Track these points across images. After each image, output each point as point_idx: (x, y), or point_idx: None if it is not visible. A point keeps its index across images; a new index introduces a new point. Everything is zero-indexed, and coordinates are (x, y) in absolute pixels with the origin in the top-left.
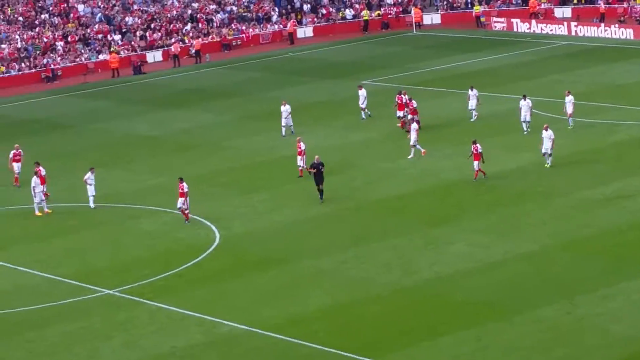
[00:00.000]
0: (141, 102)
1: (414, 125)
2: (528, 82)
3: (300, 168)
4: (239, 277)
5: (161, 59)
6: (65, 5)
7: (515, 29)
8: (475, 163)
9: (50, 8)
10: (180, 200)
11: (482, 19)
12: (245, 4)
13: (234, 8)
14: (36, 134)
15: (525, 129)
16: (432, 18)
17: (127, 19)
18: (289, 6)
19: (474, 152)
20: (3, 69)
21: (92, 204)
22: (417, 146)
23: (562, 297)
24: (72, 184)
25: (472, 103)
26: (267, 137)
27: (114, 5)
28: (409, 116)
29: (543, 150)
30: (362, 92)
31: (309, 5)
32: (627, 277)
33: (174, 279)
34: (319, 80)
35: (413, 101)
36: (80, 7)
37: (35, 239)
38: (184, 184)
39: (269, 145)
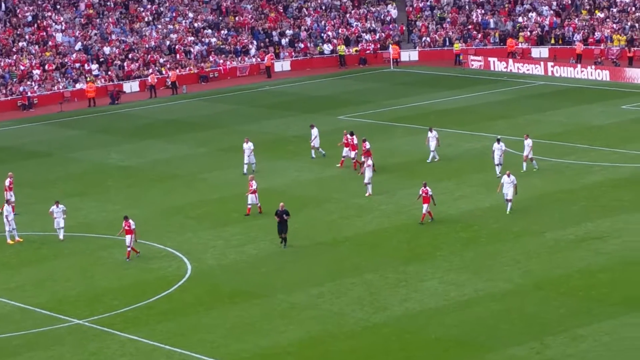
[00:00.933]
0: (117, 132)
1: (369, 161)
2: (504, 121)
3: (249, 206)
4: (210, 309)
5: (138, 89)
6: (44, 33)
7: (492, 68)
8: (425, 206)
9: (28, 36)
10: (128, 237)
11: (460, 57)
12: (224, 36)
13: (213, 40)
14: (10, 161)
15: (498, 172)
16: (409, 55)
17: (104, 48)
18: (267, 39)
19: (424, 194)
20: None
21: (61, 236)
22: (369, 185)
23: (533, 338)
24: (45, 213)
25: (432, 144)
26: (241, 170)
27: (93, 34)
28: (362, 157)
29: (505, 197)
30: (314, 131)
31: (286, 39)
32: (598, 319)
33: (145, 311)
34: (296, 114)
35: (367, 142)
36: (59, 35)
37: (6, 267)
38: (131, 221)
39: (244, 178)
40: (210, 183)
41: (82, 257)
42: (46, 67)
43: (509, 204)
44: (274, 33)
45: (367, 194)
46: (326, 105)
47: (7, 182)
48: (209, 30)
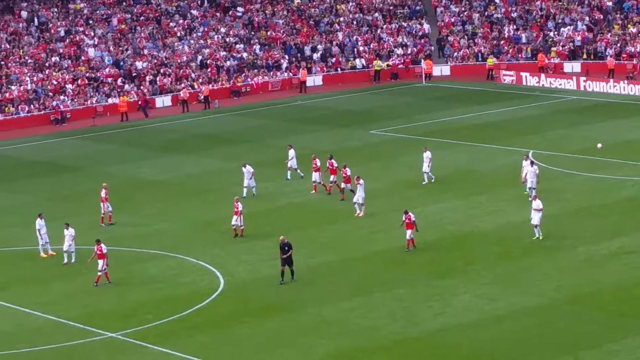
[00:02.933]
0: (149, 147)
1: (361, 182)
2: (536, 136)
3: (234, 227)
4: (242, 323)
5: (170, 103)
6: (76, 48)
7: (524, 83)
8: (408, 232)
9: (61, 51)
10: (100, 262)
11: (493, 72)
12: (256, 51)
13: (244, 55)
14: (43, 175)
15: (530, 195)
16: (441, 69)
17: (137, 63)
18: (298, 54)
19: (407, 221)
20: (12, 110)
21: (65, 260)
22: (360, 203)
23: (567, 352)
24: (77, 227)
25: (425, 166)
26: (273, 184)
27: (125, 49)
28: (342, 184)
29: (532, 222)
30: (291, 152)
31: (318, 54)
32: (632, 333)
33: (177, 324)
34: (328, 129)
35: (347, 169)
36: (91, 50)
37: (38, 280)
38: (102, 245)
39: (275, 192)
40: (242, 197)
41: (115, 271)
42: (79, 81)
43: (537, 229)
44: (305, 48)
45: (357, 214)
46: (358, 120)
47: (102, 193)
48: (241, 45)
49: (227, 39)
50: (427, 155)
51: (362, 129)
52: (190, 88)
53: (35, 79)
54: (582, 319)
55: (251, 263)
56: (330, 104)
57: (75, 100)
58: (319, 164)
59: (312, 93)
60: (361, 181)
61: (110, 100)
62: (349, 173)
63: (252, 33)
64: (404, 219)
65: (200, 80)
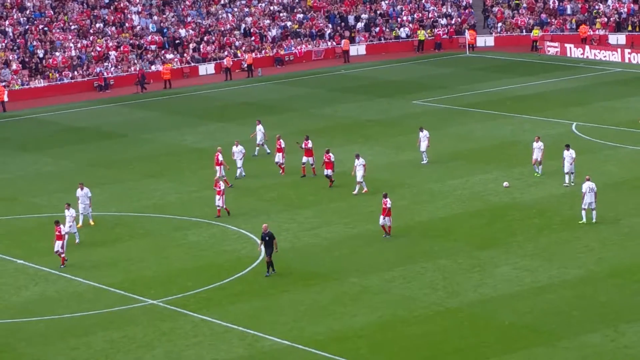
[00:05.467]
0: (192, 114)
1: (362, 161)
2: (580, 108)
3: (218, 208)
4: (283, 292)
5: (213, 71)
6: (121, 15)
7: (568, 54)
8: (387, 219)
9: (105, 17)
10: (58, 243)
11: (537, 43)
12: (299, 20)
13: (288, 24)
14: (87, 141)
15: (566, 181)
16: (485, 40)
17: (180, 30)
18: (342, 23)
19: (384, 206)
20: (56, 76)
21: (78, 224)
22: (363, 183)
23: (607, 325)
24: (120, 193)
25: (423, 145)
26: (316, 153)
27: (169, 17)
28: (326, 170)
29: (589, 206)
30: (260, 128)
31: (362, 24)
32: None
33: (218, 292)
34: (371, 99)
35: (330, 154)
36: (135, 17)
37: (81, 246)
38: (61, 226)
39: (318, 161)
40: (284, 166)
41: (156, 238)
42: (122, 48)
43: (594, 212)
44: (349, 17)
45: (355, 192)
46: (401, 90)
47: (219, 157)
48: (285, 14)
49: (271, 7)
50: (424, 134)
51: (405, 99)
52: (233, 56)
53: (79, 45)
54: (623, 293)
55: (293, 232)
56: (373, 74)
57: (119, 67)
58: (283, 144)
59: (355, 62)
60: (361, 159)
61: (153, 68)
62: (332, 159)
63: (296, 1)
64: (382, 204)
65: (243, 48)
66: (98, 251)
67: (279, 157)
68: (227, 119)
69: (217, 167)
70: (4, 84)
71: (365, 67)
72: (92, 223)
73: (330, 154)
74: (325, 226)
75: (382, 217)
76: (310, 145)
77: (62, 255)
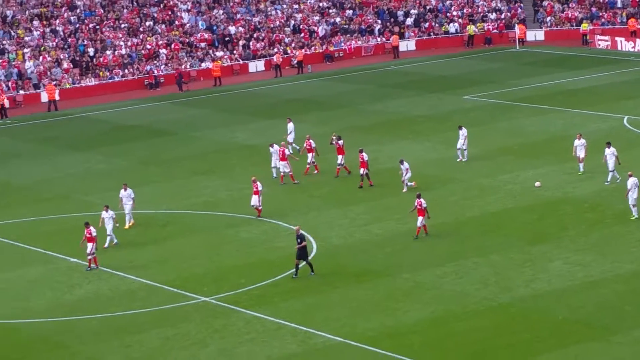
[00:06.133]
0: (242, 111)
1: (406, 165)
2: (631, 101)
3: (257, 208)
4: (335, 288)
5: (263, 68)
6: (170, 13)
7: (619, 48)
8: (420, 219)
9: (155, 15)
10: (90, 245)
11: (587, 37)
12: (348, 16)
13: (337, 20)
14: (137, 140)
15: (609, 179)
16: (535, 34)
17: (230, 28)
18: (391, 19)
19: (418, 207)
20: (107, 74)
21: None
22: (408, 183)
23: None
24: (171, 191)
25: (461, 142)
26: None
27: (218, 14)
28: (360, 170)
29: (629, 202)
30: (290, 125)
31: (411, 19)
32: None
33: (270, 289)
34: (421, 94)
35: (364, 154)
36: (185, 15)
37: (133, 245)
38: (92, 228)
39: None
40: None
41: (208, 235)
42: (172, 46)
43: (634, 209)
44: (398, 13)
45: (405, 190)
46: (451, 85)
47: (286, 152)
48: (334, 10)
49: (320, 4)
50: (462, 132)
51: (455, 94)
52: (283, 53)
53: (129, 43)
54: None
55: (345, 228)
56: (422, 69)
57: (169, 64)
58: (313, 145)
59: (404, 58)
60: (405, 164)
61: (203, 65)
62: (365, 158)
63: None
64: (415, 204)
65: (293, 44)
66: (150, 249)
67: (310, 157)
68: (277, 116)
69: (282, 163)
70: (55, 82)
71: (415, 62)
72: (131, 224)
73: (364, 154)
74: (376, 222)
75: (419, 218)
76: (341, 143)
77: (93, 257)
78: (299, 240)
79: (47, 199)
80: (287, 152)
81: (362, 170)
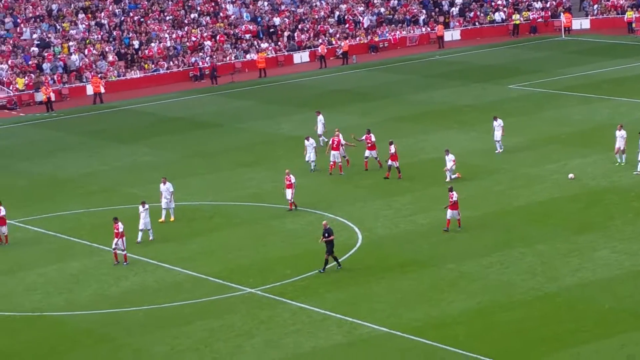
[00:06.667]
0: (287, 102)
1: (451, 157)
2: None
3: (290, 201)
4: (380, 279)
5: (308, 59)
6: (214, 5)
7: None
8: (451, 212)
9: (199, 7)
10: (116, 240)
11: (633, 25)
12: (393, 6)
13: (382, 10)
14: (183, 132)
15: (638, 169)
16: (581, 23)
17: (275, 19)
18: (436, 9)
19: (451, 200)
20: (152, 67)
21: (139, 239)
22: (452, 175)
23: None
24: (217, 183)
25: (497, 134)
26: (413, 139)
27: (263, 5)
28: (389, 162)
29: None
30: (320, 118)
31: (456, 9)
32: None
33: (316, 280)
34: (466, 84)
35: (392, 145)
36: (229, 7)
37: (178, 236)
38: (119, 223)
39: (414, 147)
40: (380, 153)
41: (253, 227)
42: (217, 38)
43: None
44: (443, 2)
45: (447, 179)
46: (497, 75)
47: (339, 139)
48: (379, 0)
49: None
50: (498, 123)
51: (501, 84)
52: (327, 44)
53: (174, 35)
54: None
55: (389, 218)
56: (468, 59)
57: (214, 56)
58: (341, 139)
59: (449, 48)
60: (450, 155)
61: (248, 57)
62: (393, 150)
63: None
64: (449, 198)
65: (338, 35)
66: (196, 241)
67: (333, 155)
68: (323, 107)
69: (333, 152)
70: (100, 75)
71: (460, 52)
72: (172, 219)
73: (393, 146)
74: (421, 212)
75: (449, 210)
76: (373, 139)
77: (124, 253)
78: (326, 235)
79: (93, 191)
80: (342, 139)
81: (389, 162)
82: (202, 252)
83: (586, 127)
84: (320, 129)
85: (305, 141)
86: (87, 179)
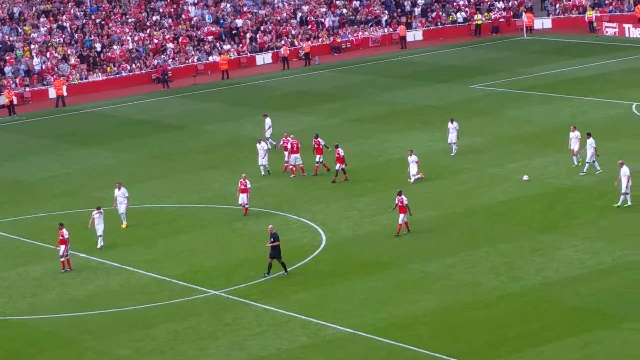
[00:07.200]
0: (250, 104)
1: (414, 158)
2: (638, 88)
3: (244, 206)
4: (345, 280)
5: (270, 61)
6: (176, 7)
7: (627, 34)
8: (401, 216)
9: (161, 10)
10: (62, 247)
11: (594, 24)
12: (355, 7)
13: (344, 11)
14: (146, 134)
15: (584, 170)
16: (542, 23)
17: (237, 21)
18: (398, 10)
19: (399, 204)
20: (114, 69)
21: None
22: (415, 176)
23: None
24: (180, 185)
25: (452, 137)
26: (376, 140)
27: (225, 7)
28: (337, 165)
29: (621, 189)
30: (268, 121)
31: (418, 9)
32: None
33: (280, 281)
34: (429, 84)
35: (340, 149)
36: (191, 9)
37: (142, 239)
38: (64, 230)
39: (378, 148)
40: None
41: (217, 229)
42: (180, 40)
43: (622, 197)
44: (405, 3)
45: (411, 181)
46: (459, 75)
47: (297, 142)
48: (341, 1)
49: None
50: (454, 126)
51: (463, 83)
52: (290, 45)
53: (136, 38)
54: None
55: (353, 219)
56: (430, 59)
57: (176, 59)
58: (323, 143)
59: (412, 48)
60: (413, 156)
61: (210, 59)
62: (342, 153)
63: None
64: (396, 201)
65: (300, 37)
66: (159, 243)
67: (292, 158)
68: (286, 108)
69: (294, 155)
70: (63, 78)
71: (423, 52)
72: (124, 225)
73: (340, 149)
74: (385, 213)
75: (400, 215)
76: (322, 143)
77: (67, 259)
78: (272, 239)
79: (56, 195)
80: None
81: (337, 166)
82: (166, 255)
83: (548, 126)
84: (267, 132)
85: (257, 144)
86: (50, 182)
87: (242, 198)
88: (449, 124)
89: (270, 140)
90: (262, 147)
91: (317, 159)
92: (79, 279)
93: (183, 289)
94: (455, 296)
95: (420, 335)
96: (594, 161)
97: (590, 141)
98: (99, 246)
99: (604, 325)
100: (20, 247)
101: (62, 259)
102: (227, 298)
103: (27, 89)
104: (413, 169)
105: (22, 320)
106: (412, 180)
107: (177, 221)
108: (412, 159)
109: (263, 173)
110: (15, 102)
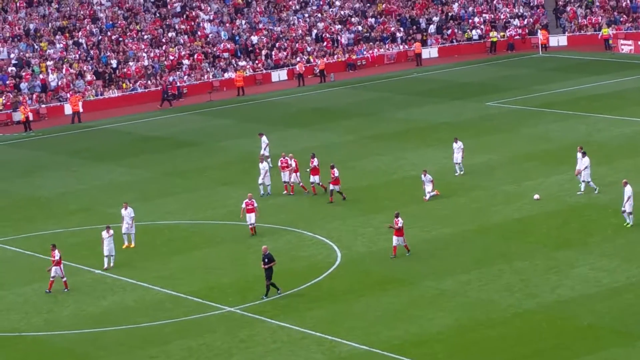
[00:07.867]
0: (265, 121)
1: (429, 177)
2: None
3: (252, 226)
4: (360, 297)
5: (286, 77)
6: (192, 23)
7: None
8: (395, 238)
9: (177, 26)
10: (55, 269)
11: (610, 42)
12: (371, 24)
13: (360, 28)
14: (161, 151)
15: (582, 189)
16: (558, 40)
17: (252, 37)
18: (414, 27)
19: (395, 226)
20: (130, 86)
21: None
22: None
23: None
24: (195, 201)
25: (457, 157)
26: (391, 157)
27: (240, 24)
28: (331, 186)
29: (623, 208)
30: (264, 139)
31: (434, 26)
32: None
33: (295, 298)
34: (444, 101)
35: (335, 169)
36: (207, 25)
37: (158, 255)
38: (56, 251)
39: (392, 165)
40: (359, 171)
41: (232, 245)
42: (195, 57)
43: (626, 215)
44: (421, 20)
45: (426, 198)
46: (475, 92)
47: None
48: (356, 18)
49: (342, 12)
50: (458, 145)
51: (479, 101)
52: (305, 62)
53: (151, 54)
54: None
55: (368, 236)
56: (446, 76)
57: (192, 75)
58: (292, 164)
59: (427, 65)
60: (428, 176)
61: (226, 75)
62: (336, 174)
63: (367, 5)
64: (393, 224)
65: (315, 53)
66: (174, 259)
67: (285, 176)
68: (301, 125)
69: (294, 174)
70: (78, 94)
71: (438, 69)
72: (132, 245)
73: (335, 169)
74: None
75: (395, 237)
76: (316, 163)
77: (64, 280)
78: (265, 260)
79: (72, 211)
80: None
81: (331, 187)
82: (181, 271)
83: (564, 144)
84: (266, 151)
85: (260, 164)
86: (66, 198)
87: (250, 218)
88: (454, 143)
89: (269, 159)
90: (263, 167)
91: (312, 180)
92: (94, 295)
93: (198, 306)
94: (470, 313)
95: (435, 352)
96: (589, 181)
97: (586, 160)
98: (105, 267)
99: (620, 344)
100: (35, 263)
101: (52, 279)
102: (242, 315)
103: (43, 105)
104: (428, 187)
105: (37, 336)
106: (427, 197)
107: (192, 238)
108: (427, 178)
109: (262, 192)
110: (31, 118)
